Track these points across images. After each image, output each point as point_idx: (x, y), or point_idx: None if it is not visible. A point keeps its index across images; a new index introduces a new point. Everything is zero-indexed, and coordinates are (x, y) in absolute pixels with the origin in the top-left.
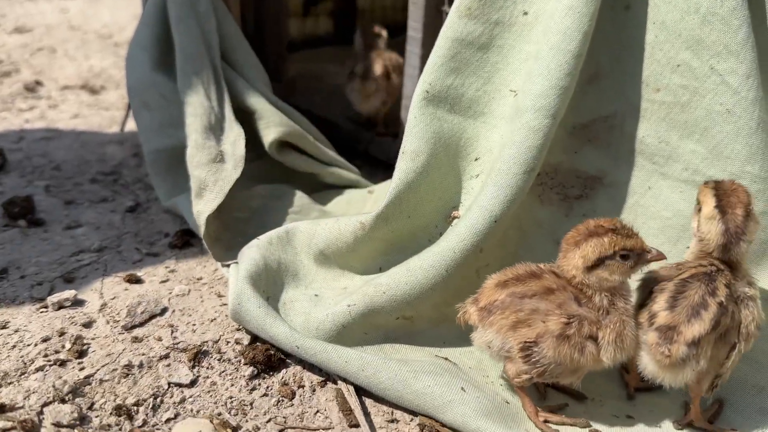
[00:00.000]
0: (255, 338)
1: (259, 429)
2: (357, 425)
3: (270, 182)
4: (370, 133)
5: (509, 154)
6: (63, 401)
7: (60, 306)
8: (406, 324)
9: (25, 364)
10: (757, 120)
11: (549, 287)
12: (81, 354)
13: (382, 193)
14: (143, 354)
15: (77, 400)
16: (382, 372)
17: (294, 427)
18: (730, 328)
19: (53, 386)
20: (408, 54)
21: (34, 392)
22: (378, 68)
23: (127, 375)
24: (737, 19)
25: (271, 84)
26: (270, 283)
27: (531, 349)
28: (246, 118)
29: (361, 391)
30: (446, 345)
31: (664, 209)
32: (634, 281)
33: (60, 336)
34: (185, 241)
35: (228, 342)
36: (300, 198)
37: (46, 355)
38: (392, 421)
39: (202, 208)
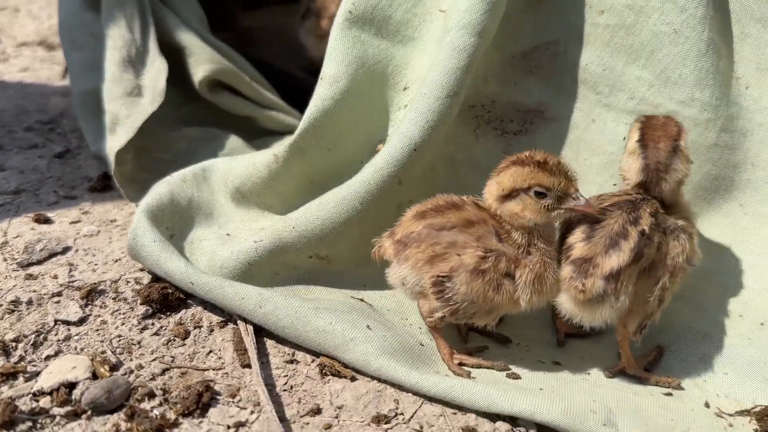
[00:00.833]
0: (157, 278)
1: (142, 367)
2: (249, 365)
3: (203, 123)
4: None
5: (432, 77)
6: None
7: None
8: (321, 264)
9: None
10: (707, 41)
11: (469, 219)
12: None
13: None
14: (34, 291)
15: None
16: (281, 309)
17: (180, 366)
18: (656, 262)
19: None
20: None
21: None
22: (332, 5)
23: (12, 311)
24: None
25: (224, 34)
26: (176, 221)
27: (443, 284)
28: (180, 58)
29: (263, 332)
30: (368, 288)
31: (608, 144)
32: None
33: None
34: (105, 184)
35: (128, 282)
36: (233, 141)
37: None
38: (291, 361)
39: (113, 143)
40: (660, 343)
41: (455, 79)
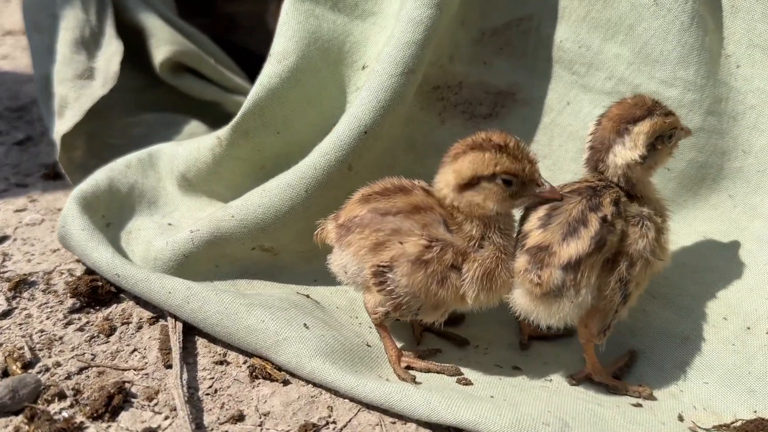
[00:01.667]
0: (90, 270)
1: (59, 365)
2: (172, 366)
3: (165, 110)
4: None
5: (387, 52)
6: None
7: None
8: (266, 257)
9: None
10: (691, 13)
11: (416, 205)
12: None
13: None
14: None
15: None
16: (210, 305)
17: (99, 365)
18: (620, 253)
19: None
20: None
21: None
22: None
23: None
24: None
25: (203, 20)
26: (113, 208)
27: (384, 274)
28: (141, 39)
29: (195, 331)
30: (318, 283)
31: (584, 128)
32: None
33: None
34: (58, 171)
35: (62, 273)
36: (192, 126)
37: None
38: (221, 362)
39: (60, 127)
40: (633, 347)
41: (411, 55)
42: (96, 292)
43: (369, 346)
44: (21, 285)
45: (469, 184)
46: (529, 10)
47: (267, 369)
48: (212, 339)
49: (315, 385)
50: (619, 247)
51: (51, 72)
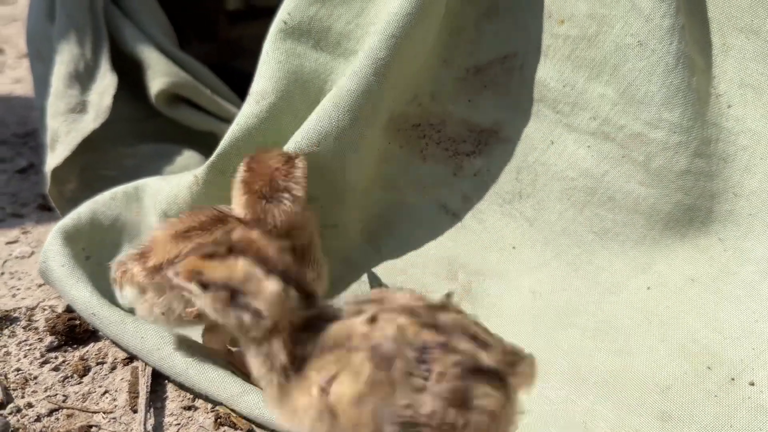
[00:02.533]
0: (70, 308)
1: (31, 406)
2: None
3: (161, 141)
4: None
5: (340, 85)
6: None
7: None
8: None
9: None
10: (676, 54)
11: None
12: None
13: None
14: None
15: None
16: (177, 354)
17: (70, 407)
18: None
19: None
20: None
21: None
22: None
23: None
24: None
25: (204, 45)
26: (94, 242)
27: None
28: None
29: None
30: None
31: (568, 168)
32: None
33: None
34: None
35: (44, 309)
36: (186, 158)
37: None
38: (190, 408)
39: (51, 161)
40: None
41: (361, 102)
42: (73, 331)
43: None
44: (3, 321)
45: None
46: (514, 48)
47: (231, 417)
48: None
49: None
50: None
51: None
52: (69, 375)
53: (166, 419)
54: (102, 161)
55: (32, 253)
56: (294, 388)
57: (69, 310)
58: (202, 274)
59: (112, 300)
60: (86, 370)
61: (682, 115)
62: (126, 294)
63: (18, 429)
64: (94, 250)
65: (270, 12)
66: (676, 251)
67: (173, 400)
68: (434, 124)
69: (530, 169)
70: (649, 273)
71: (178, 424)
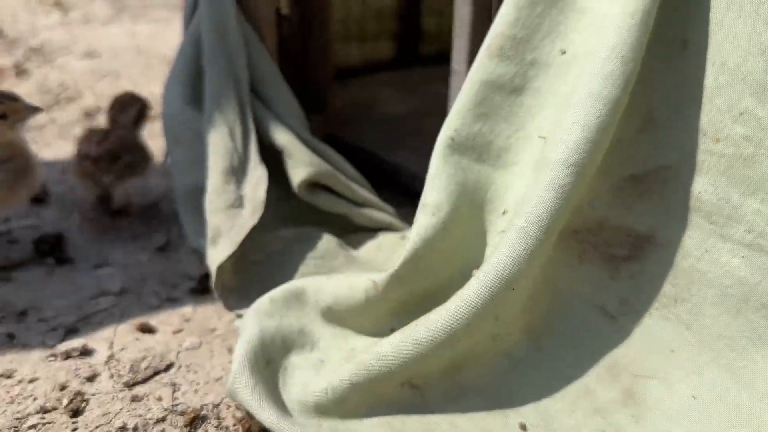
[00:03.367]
0: None
1: None
2: None
3: (299, 223)
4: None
5: (529, 212)
6: None
7: (68, 356)
8: (414, 395)
9: (20, 421)
10: None
11: None
12: (77, 413)
13: None
14: (140, 416)
15: None
16: None
17: None
18: None
19: None
20: (452, 89)
21: None
22: None
23: None
24: None
25: (314, 116)
26: (273, 349)
27: None
28: (276, 156)
29: None
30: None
31: (723, 275)
32: None
33: (61, 390)
34: (205, 286)
35: (229, 407)
36: (326, 242)
37: (43, 412)
38: None
39: (215, 256)
40: None
41: (554, 218)
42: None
43: None
44: (196, 420)
45: None
46: (668, 161)
47: None
48: None
49: None
50: None
51: (193, 184)
52: None
53: None
54: (250, 247)
55: (200, 343)
56: None
57: None
58: None
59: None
60: None
61: None
62: None
63: None
64: (271, 353)
65: (382, 66)
66: None
67: None
68: (592, 229)
69: (685, 275)
70: None
71: None
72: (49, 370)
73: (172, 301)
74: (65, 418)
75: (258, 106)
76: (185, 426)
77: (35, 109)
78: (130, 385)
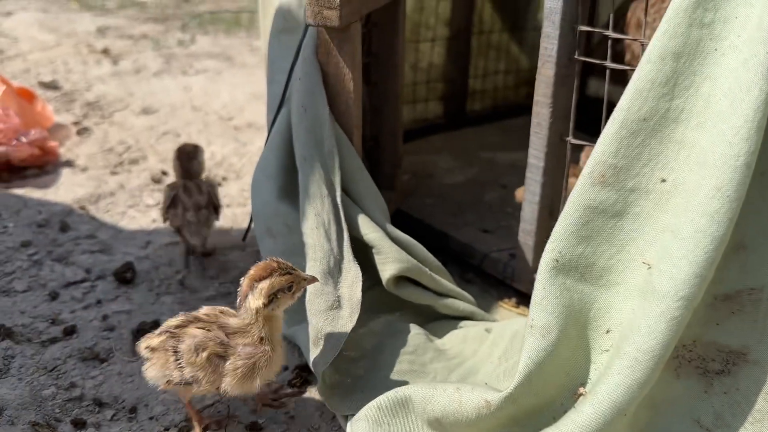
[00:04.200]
0: None
1: None
2: None
3: (384, 309)
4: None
5: (641, 341)
6: None
7: None
8: None
9: None
10: None
11: None
12: None
13: (499, 336)
14: None
15: None
16: None
17: None
18: None
19: None
20: (528, 181)
21: None
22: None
23: None
24: None
25: (385, 194)
26: None
27: None
28: (363, 248)
29: None
30: None
31: None
32: None
33: None
34: (303, 378)
35: None
36: (415, 336)
37: None
38: None
39: (318, 359)
40: None
41: (665, 348)
42: None
43: None
44: None
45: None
46: (760, 282)
47: None
48: None
49: None
50: None
51: None
52: None
53: None
54: (346, 344)
55: None
56: None
57: None
58: None
59: None
60: None
61: None
62: None
63: None
64: None
65: (432, 127)
66: None
67: None
68: (686, 345)
69: None
70: None
71: None
72: None
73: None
74: None
75: (348, 203)
76: None
77: (312, 279)
78: None
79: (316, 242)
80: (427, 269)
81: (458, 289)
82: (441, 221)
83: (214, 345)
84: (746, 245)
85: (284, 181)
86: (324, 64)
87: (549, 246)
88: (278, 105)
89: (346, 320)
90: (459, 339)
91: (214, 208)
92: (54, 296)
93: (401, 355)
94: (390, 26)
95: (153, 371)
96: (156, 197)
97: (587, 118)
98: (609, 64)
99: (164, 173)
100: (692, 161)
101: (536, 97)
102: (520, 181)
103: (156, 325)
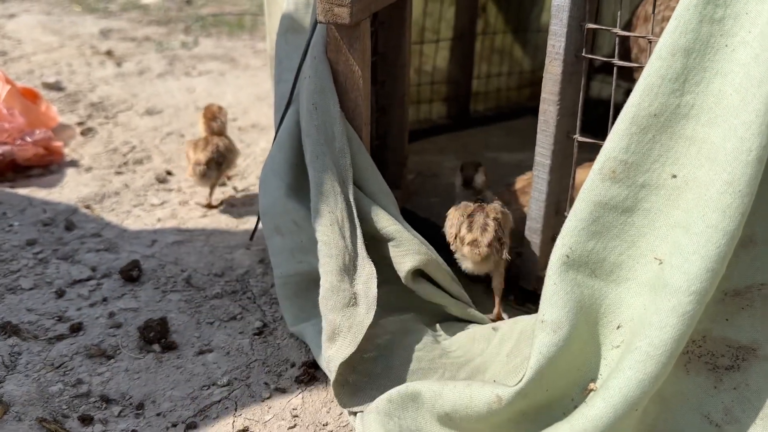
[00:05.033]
0: None
1: None
2: None
3: (394, 309)
4: None
5: (653, 336)
6: None
7: None
8: None
9: None
10: None
11: None
12: None
13: (507, 334)
14: None
15: None
16: None
17: None
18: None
19: None
20: (535, 178)
21: None
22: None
23: None
24: None
25: (392, 192)
26: None
27: None
28: (374, 246)
29: None
30: None
31: None
32: None
33: None
34: (311, 375)
35: None
36: (424, 335)
37: None
38: None
39: (334, 354)
40: None
41: (677, 343)
42: None
43: None
44: None
45: None
46: None
47: None
48: None
49: None
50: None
51: (293, 273)
52: None
53: None
54: (361, 343)
55: None
56: None
57: None
58: None
59: None
60: None
61: None
62: None
63: None
64: None
65: (436, 127)
66: None
67: None
68: (696, 340)
69: None
70: None
71: None
72: None
73: (281, 392)
74: None
75: (361, 198)
76: None
77: None
78: None
79: (331, 239)
80: (444, 264)
81: (466, 294)
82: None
83: None
84: (756, 240)
85: (292, 178)
86: (334, 62)
87: (559, 241)
88: (286, 104)
89: (363, 316)
90: (467, 338)
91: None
92: (60, 294)
93: (414, 352)
94: (397, 25)
95: None
96: (161, 197)
97: (588, 118)
98: (616, 61)
99: (169, 173)
100: (703, 157)
101: (543, 95)
102: None
103: (163, 322)
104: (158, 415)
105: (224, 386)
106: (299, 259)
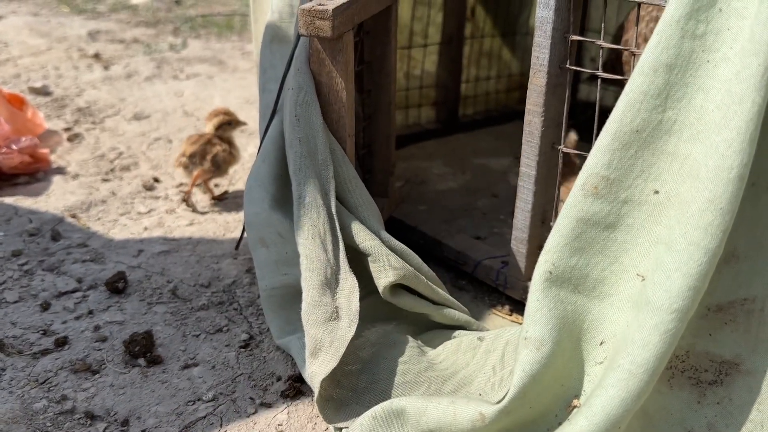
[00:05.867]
0: None
1: None
2: None
3: (377, 320)
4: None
5: (635, 354)
6: None
7: None
8: None
9: None
10: None
11: None
12: None
13: (492, 345)
14: None
15: None
16: None
17: None
18: None
19: None
20: (520, 189)
21: None
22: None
23: None
24: None
25: (378, 200)
26: None
27: None
28: (357, 257)
29: None
30: None
31: None
32: None
33: None
34: (296, 389)
35: None
36: (410, 347)
37: None
38: None
39: (317, 370)
40: None
41: (659, 361)
42: None
43: None
44: None
45: None
46: (753, 292)
47: None
48: None
49: None
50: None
51: (278, 285)
52: None
53: None
54: (344, 356)
55: None
56: None
57: None
58: None
59: None
60: None
61: None
62: None
63: None
64: None
65: (424, 132)
66: None
67: None
68: (679, 355)
69: None
70: None
71: None
72: None
73: (267, 407)
74: None
75: (343, 212)
76: None
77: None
78: None
79: (313, 253)
80: (423, 277)
81: (452, 299)
82: (434, 228)
83: None
84: (738, 255)
85: (277, 190)
86: (317, 73)
87: (542, 258)
88: (270, 114)
89: (345, 330)
90: (452, 349)
91: None
92: (45, 307)
93: (396, 366)
94: (382, 34)
95: None
96: (148, 204)
97: (577, 121)
98: (600, 73)
99: (156, 180)
100: (685, 173)
101: (528, 106)
102: (513, 188)
103: (148, 335)
104: (143, 431)
105: (209, 401)
106: (284, 272)
